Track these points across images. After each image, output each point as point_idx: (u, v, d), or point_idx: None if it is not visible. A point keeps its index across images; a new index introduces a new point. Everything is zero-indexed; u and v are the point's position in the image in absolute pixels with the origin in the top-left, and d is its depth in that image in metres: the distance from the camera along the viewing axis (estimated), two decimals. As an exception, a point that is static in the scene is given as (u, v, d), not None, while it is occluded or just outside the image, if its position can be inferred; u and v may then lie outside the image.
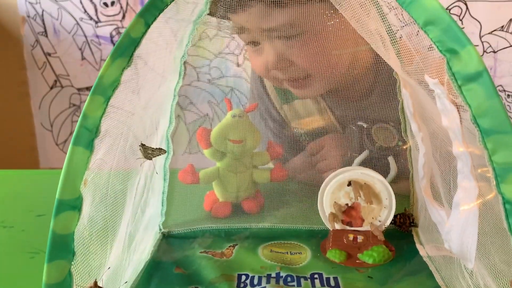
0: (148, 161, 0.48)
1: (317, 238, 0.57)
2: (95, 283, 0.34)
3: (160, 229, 0.60)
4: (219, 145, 0.62)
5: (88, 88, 1.62)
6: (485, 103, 0.30)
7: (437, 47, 0.32)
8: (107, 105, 0.33)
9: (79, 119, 0.31)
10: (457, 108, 0.34)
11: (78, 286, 0.32)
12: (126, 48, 0.33)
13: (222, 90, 1.41)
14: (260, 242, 0.57)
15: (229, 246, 0.56)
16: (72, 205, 0.31)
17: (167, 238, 0.59)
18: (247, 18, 0.60)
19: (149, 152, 0.44)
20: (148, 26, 0.34)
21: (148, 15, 0.33)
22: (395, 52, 0.43)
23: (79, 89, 1.63)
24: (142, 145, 0.44)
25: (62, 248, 0.31)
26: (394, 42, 0.43)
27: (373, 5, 0.41)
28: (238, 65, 1.52)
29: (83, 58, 1.60)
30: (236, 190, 0.64)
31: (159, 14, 0.34)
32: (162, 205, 0.60)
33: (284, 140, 0.73)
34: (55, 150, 1.63)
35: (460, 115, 0.34)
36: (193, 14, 0.45)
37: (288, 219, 0.61)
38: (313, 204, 0.57)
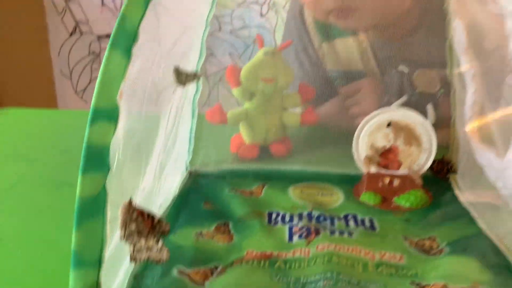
0: (180, 90, 0.45)
1: (350, 183, 0.55)
2: (130, 202, 0.32)
3: (187, 168, 0.58)
4: (250, 83, 0.59)
5: (108, 35, 1.58)
6: None
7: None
8: (147, 7, 0.30)
9: (118, 19, 0.29)
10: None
11: (112, 202, 0.30)
12: None
13: (244, 41, 1.37)
14: (289, 183, 0.55)
15: (258, 185, 0.55)
16: (108, 115, 0.29)
17: (194, 177, 0.57)
18: None
19: (183, 78, 0.41)
20: None
21: None
22: None
23: (99, 36, 1.59)
24: (176, 69, 0.41)
25: (97, 160, 0.29)
26: None
27: None
28: (262, 15, 1.47)
29: (103, 4, 1.56)
30: (265, 132, 0.62)
31: None
32: (190, 143, 0.58)
33: (317, 83, 0.70)
34: (74, 98, 1.61)
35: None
36: None
37: (319, 163, 0.59)
38: (346, 148, 0.55)
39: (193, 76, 0.42)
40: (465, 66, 0.45)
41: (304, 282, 0.36)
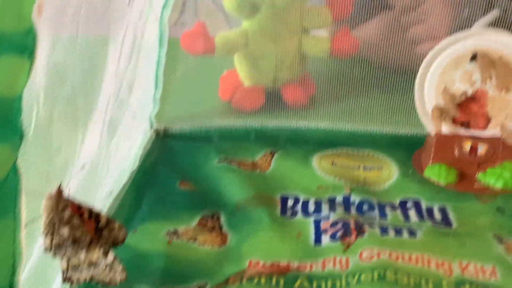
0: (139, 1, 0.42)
1: (407, 147, 0.55)
2: (59, 190, 0.30)
3: (151, 124, 0.57)
4: (250, -10, 0.57)
5: None
6: None
7: None
8: None
9: None
10: None
11: (30, 192, 0.28)
12: None
13: None
14: (314, 149, 0.55)
15: (264, 154, 0.55)
16: (17, 44, 0.26)
17: (163, 139, 0.57)
18: None
19: None
20: None
21: None
22: None
23: None
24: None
25: (3, 122, 0.26)
26: None
27: None
28: None
29: None
30: (274, 69, 0.61)
31: None
32: (156, 86, 0.56)
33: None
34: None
35: None
36: None
37: (358, 117, 0.59)
38: (400, 96, 0.55)
39: None
40: None
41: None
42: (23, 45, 0.26)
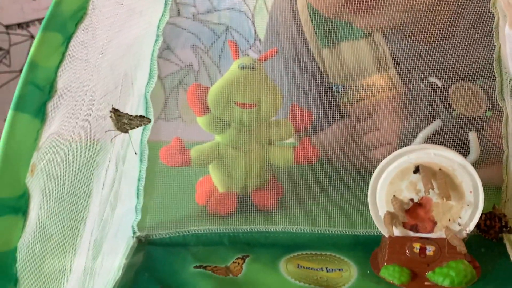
0: (122, 134, 0.45)
1: (364, 249, 0.56)
2: None
3: (134, 233, 0.58)
4: (221, 110, 0.59)
5: (20, 25, 1.59)
6: None
7: None
8: (66, 48, 0.29)
9: (24, 70, 0.28)
10: None
11: None
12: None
13: (213, 30, 1.37)
14: (281, 253, 0.56)
15: (237, 259, 0.56)
16: (12, 206, 0.28)
17: (145, 246, 0.57)
18: None
19: (125, 122, 0.41)
20: None
21: None
22: None
23: (7, 26, 1.60)
24: (115, 110, 0.40)
25: None
26: None
27: None
28: (236, -7, 1.48)
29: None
30: (244, 176, 0.63)
31: None
32: (138, 198, 0.58)
33: (316, 102, 0.71)
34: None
35: None
36: None
37: (320, 220, 0.60)
38: (358, 198, 0.56)
39: (139, 120, 0.42)
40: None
41: None
42: (18, 207, 0.28)
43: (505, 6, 0.46)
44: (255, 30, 1.32)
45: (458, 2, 0.61)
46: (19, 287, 0.29)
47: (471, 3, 0.56)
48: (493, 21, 0.50)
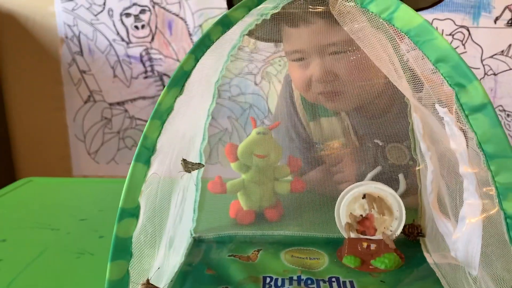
0: (187, 174, 0.51)
1: (333, 246, 0.59)
2: (148, 281, 0.37)
3: (191, 234, 0.62)
4: (245, 159, 0.65)
5: (119, 103, 1.66)
6: (489, 131, 0.33)
7: (447, 81, 0.35)
8: (162, 127, 0.36)
9: (141, 139, 0.35)
10: (464, 134, 0.36)
11: (134, 283, 0.35)
12: (179, 79, 0.36)
13: (241, 106, 1.45)
14: (282, 248, 0.59)
15: (254, 251, 0.59)
16: (131, 213, 0.34)
17: (197, 243, 0.61)
18: (308, 33, 0.60)
19: (189, 166, 0.47)
20: (197, 60, 0.37)
21: (198, 51, 0.37)
22: (406, 80, 0.45)
23: (110, 104, 1.67)
24: (184, 160, 0.46)
25: (123, 250, 0.34)
26: (406, 69, 0.45)
27: (388, 39, 0.43)
28: (256, 83, 1.56)
29: (115, 76, 1.65)
30: (259, 200, 0.67)
31: (207, 50, 0.37)
32: (194, 212, 0.63)
33: (305, 154, 0.75)
34: (87, 159, 1.68)
35: (466, 140, 0.36)
36: (229, 47, 0.49)
37: (307, 227, 0.63)
38: (330, 213, 0.59)
39: (197, 165, 0.48)
40: (423, 148, 0.50)
41: None
42: (134, 213, 0.34)
43: (413, 104, 0.51)
44: (268, 107, 1.39)
45: (391, 95, 0.66)
46: (132, 259, 0.35)
47: (397, 96, 0.60)
48: (408, 108, 0.56)
